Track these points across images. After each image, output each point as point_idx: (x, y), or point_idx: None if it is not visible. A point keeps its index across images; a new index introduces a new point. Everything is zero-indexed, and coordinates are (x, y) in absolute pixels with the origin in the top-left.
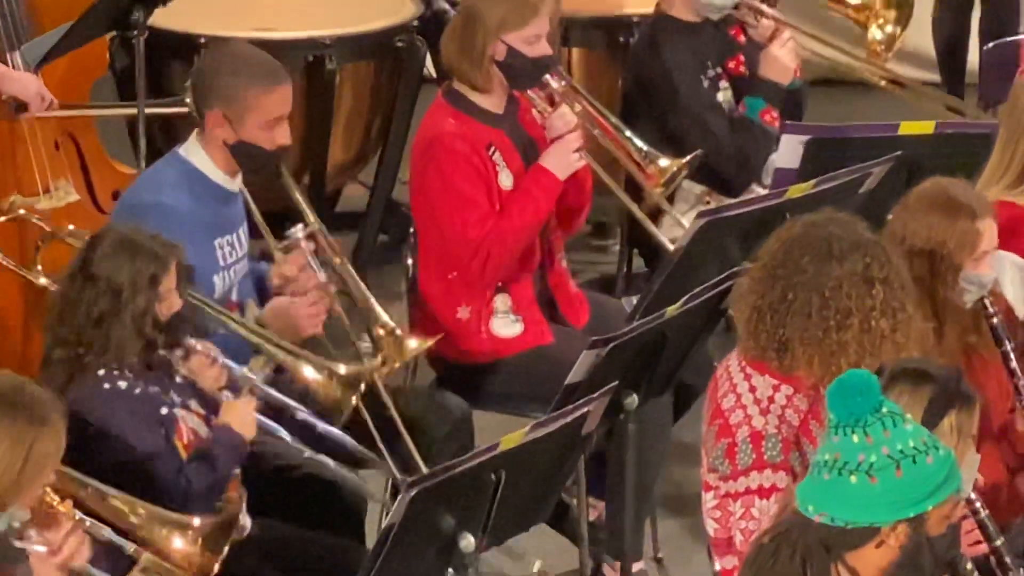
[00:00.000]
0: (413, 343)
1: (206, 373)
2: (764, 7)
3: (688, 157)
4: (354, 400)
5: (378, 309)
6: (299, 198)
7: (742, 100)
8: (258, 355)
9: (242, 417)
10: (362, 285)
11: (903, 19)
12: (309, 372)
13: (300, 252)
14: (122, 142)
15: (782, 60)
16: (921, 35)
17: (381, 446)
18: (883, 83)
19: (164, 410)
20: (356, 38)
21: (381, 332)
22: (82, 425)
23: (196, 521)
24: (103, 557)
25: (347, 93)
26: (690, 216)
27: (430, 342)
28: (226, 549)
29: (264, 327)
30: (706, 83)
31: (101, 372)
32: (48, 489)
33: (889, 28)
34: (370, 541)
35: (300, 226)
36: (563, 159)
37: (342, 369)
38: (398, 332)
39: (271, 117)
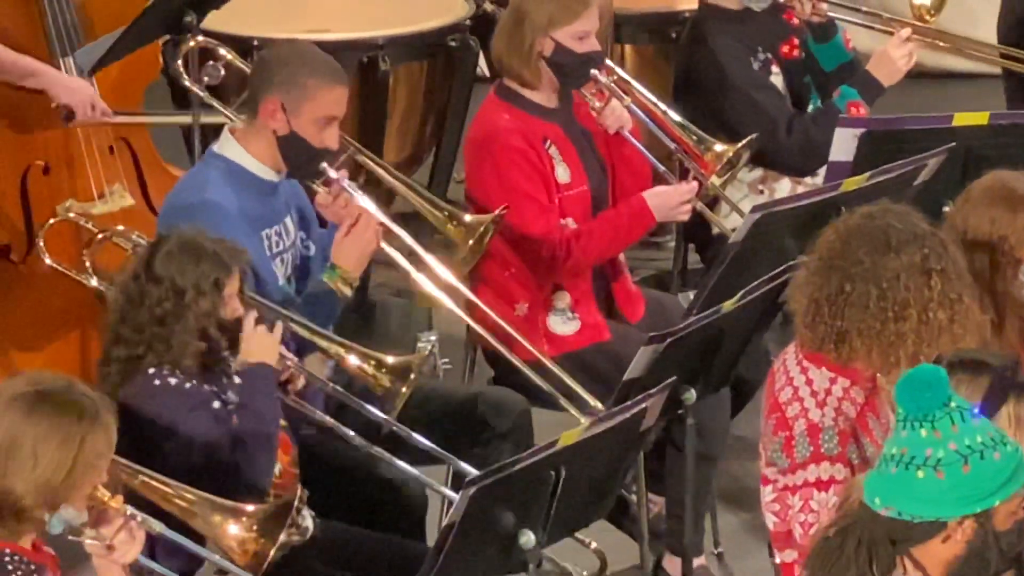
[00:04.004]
0: (469, 217)
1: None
2: None
3: (744, 141)
4: (405, 389)
5: (429, 207)
6: None
7: (802, 84)
8: (313, 353)
9: (260, 345)
10: (410, 193)
11: None
12: (355, 360)
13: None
14: (176, 146)
15: (897, 63)
16: (968, 24)
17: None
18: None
19: (217, 404)
20: (409, 38)
21: (449, 223)
22: (136, 422)
23: (250, 508)
24: (168, 551)
25: (401, 93)
26: (745, 205)
27: (492, 214)
28: (282, 536)
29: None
30: (757, 66)
31: (151, 370)
32: (99, 485)
33: None
34: (431, 538)
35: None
36: (668, 208)
37: (389, 359)
38: (461, 216)
39: (327, 114)
